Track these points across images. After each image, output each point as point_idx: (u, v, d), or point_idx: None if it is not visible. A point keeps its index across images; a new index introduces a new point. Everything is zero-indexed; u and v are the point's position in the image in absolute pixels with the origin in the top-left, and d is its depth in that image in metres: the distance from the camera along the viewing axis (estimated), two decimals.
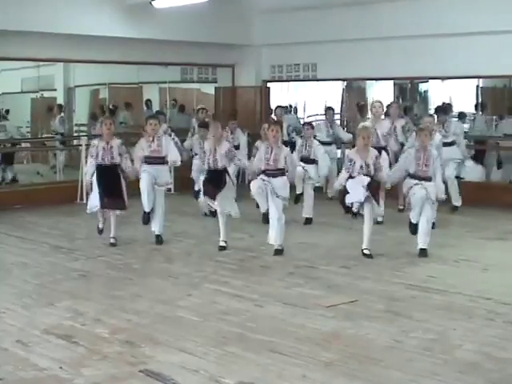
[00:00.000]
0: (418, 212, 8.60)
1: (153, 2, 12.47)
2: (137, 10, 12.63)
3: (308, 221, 10.72)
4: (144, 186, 9.32)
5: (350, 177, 8.42)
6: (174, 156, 9.50)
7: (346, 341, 5.65)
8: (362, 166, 8.42)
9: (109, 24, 12.42)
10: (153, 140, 9.35)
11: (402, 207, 11.15)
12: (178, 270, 8.11)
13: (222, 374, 4.94)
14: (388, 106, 11.32)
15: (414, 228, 8.75)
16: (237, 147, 11.19)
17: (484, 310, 6.42)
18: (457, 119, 13.16)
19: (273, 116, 13.66)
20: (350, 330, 5.90)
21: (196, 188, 11.30)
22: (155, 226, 9.45)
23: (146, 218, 9.47)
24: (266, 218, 9.49)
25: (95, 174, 9.13)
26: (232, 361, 5.23)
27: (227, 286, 7.32)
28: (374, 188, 8.41)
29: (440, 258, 8.45)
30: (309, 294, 6.97)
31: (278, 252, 8.74)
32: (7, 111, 15.26)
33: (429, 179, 8.60)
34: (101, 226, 9.43)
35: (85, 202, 11.83)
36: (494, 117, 14.08)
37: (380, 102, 11.25)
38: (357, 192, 8.33)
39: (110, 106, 15.40)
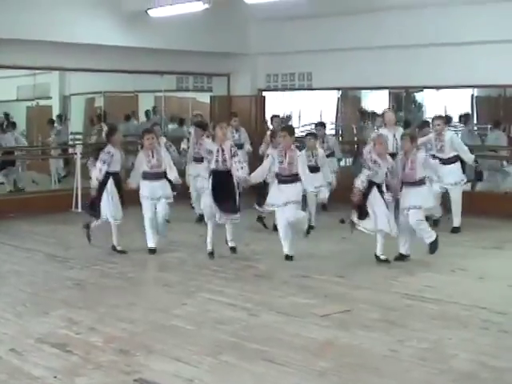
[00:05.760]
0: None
1: (148, 11, 12.50)
2: (132, 19, 12.65)
3: (310, 228, 10.68)
4: (147, 223, 9.27)
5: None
6: (174, 177, 9.38)
7: (340, 350, 5.64)
8: (386, 173, 8.46)
9: (104, 32, 12.46)
10: (152, 155, 9.33)
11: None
12: (172, 278, 8.09)
13: (216, 383, 4.92)
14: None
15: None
16: (239, 146, 11.09)
17: (479, 320, 6.41)
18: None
19: (269, 125, 13.62)
20: (344, 339, 5.89)
21: (197, 212, 11.20)
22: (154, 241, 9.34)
23: (153, 252, 9.31)
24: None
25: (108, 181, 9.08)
26: (226, 370, 5.22)
27: (222, 294, 7.31)
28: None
29: (436, 267, 8.44)
30: (303, 303, 6.96)
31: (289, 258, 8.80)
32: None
33: (417, 183, 8.58)
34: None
35: (80, 210, 11.93)
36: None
37: (390, 109, 11.25)
38: None
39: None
